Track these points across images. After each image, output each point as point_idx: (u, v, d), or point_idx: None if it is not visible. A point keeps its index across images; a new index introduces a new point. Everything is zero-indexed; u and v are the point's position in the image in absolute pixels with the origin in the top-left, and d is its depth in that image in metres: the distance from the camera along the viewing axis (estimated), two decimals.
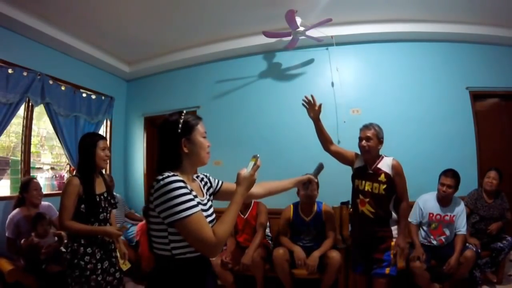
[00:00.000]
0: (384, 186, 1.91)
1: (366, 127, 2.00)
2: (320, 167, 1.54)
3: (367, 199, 1.96)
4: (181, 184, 0.91)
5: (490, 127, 3.22)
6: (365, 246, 1.99)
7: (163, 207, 0.88)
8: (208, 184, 1.18)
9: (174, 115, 1.03)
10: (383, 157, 2.00)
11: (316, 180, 1.47)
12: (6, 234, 2.30)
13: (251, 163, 1.07)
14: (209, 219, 0.98)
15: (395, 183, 1.93)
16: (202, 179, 1.16)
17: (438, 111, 3.15)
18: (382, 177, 1.92)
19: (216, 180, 1.23)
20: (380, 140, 1.97)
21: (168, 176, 0.91)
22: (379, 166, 1.96)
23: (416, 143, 3.11)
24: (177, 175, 0.93)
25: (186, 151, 0.99)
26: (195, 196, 0.96)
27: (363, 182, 1.99)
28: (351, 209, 2.30)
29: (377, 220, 1.94)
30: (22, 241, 2.22)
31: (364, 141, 1.95)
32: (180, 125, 0.99)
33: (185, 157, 1.00)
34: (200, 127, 1.04)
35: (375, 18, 3.08)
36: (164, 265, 0.95)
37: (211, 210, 1.06)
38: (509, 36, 3.16)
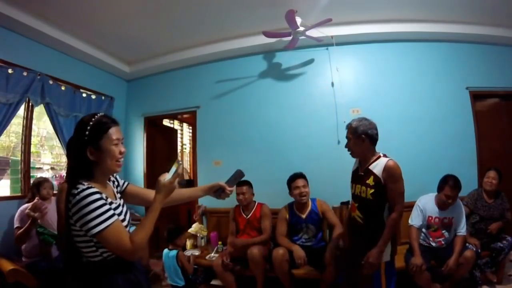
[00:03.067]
0: (372, 191, 1.66)
1: (346, 127, 1.85)
2: (237, 175, 1.34)
3: (356, 204, 1.77)
4: (97, 196, 0.92)
5: (490, 127, 3.22)
6: (354, 257, 1.79)
7: (82, 221, 0.90)
8: (116, 183, 1.17)
9: (86, 118, 1.00)
10: (379, 157, 1.73)
11: (229, 188, 1.31)
12: (16, 225, 2.32)
13: (173, 169, 1.05)
14: (124, 223, 1.01)
15: (387, 188, 1.63)
16: (113, 182, 1.15)
17: (438, 111, 3.15)
18: (370, 180, 1.68)
19: (122, 181, 1.21)
20: (359, 136, 1.72)
21: (83, 190, 0.91)
22: (370, 167, 1.72)
23: (416, 143, 3.11)
24: (91, 187, 0.93)
25: (92, 159, 0.97)
26: (110, 203, 0.98)
27: (354, 185, 1.82)
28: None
29: (367, 229, 1.71)
30: (29, 207, 2.32)
31: (346, 143, 1.82)
32: (87, 132, 0.96)
33: (94, 165, 0.99)
34: (111, 133, 0.99)
35: (375, 18, 3.08)
36: (98, 270, 0.97)
37: (124, 211, 1.07)
38: (509, 36, 3.17)
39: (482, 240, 2.49)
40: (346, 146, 1.82)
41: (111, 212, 0.94)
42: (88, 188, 0.92)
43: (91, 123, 0.97)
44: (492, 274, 2.56)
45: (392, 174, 1.64)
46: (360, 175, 1.77)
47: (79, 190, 0.91)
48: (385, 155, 1.75)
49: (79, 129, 0.98)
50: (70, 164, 0.99)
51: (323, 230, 2.61)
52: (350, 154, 1.84)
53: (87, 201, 0.90)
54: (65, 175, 0.92)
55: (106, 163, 0.99)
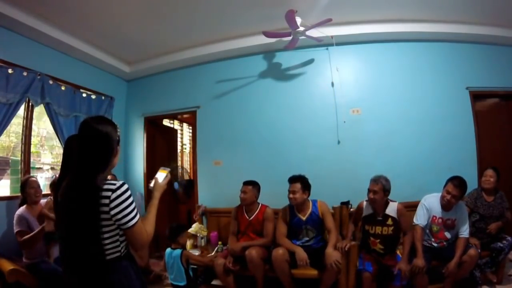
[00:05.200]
0: (392, 228, 2.33)
1: (374, 181, 2.34)
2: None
3: (378, 240, 2.37)
4: (130, 192, 1.04)
5: (490, 127, 3.22)
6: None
7: (122, 214, 0.98)
8: None
9: (110, 125, 1.09)
10: (389, 203, 2.36)
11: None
12: (16, 229, 2.27)
13: (163, 174, 1.32)
14: None
15: (401, 223, 2.33)
16: None
17: (438, 111, 3.15)
18: (389, 221, 2.33)
19: None
20: (385, 193, 2.31)
21: (122, 185, 1.01)
22: (386, 212, 2.35)
23: (416, 143, 3.11)
24: (126, 183, 1.04)
25: (115, 156, 1.11)
26: None
27: (374, 227, 2.38)
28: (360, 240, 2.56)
29: (387, 252, 2.37)
30: (44, 206, 2.39)
31: (371, 193, 2.33)
32: (118, 132, 1.11)
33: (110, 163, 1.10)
34: None
35: (375, 18, 3.08)
36: (113, 266, 1.04)
37: None
38: (509, 36, 3.17)
39: (482, 240, 2.48)
40: (371, 197, 2.33)
41: (137, 208, 1.06)
42: (124, 183, 1.03)
43: (118, 130, 1.12)
44: (492, 274, 2.56)
45: (403, 213, 2.34)
46: (379, 219, 2.37)
47: (117, 185, 1.00)
48: (391, 200, 2.38)
49: (109, 135, 1.06)
50: (96, 164, 1.03)
51: (323, 232, 2.60)
52: (372, 203, 2.37)
53: (127, 195, 1.01)
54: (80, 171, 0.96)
55: (115, 162, 1.13)
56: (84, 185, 0.99)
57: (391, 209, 2.35)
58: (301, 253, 2.33)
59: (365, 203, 2.48)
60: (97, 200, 0.96)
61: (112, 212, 0.97)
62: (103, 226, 0.99)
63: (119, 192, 0.98)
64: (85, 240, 1.00)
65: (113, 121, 1.14)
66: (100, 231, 0.99)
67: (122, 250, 1.06)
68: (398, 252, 2.43)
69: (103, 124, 1.08)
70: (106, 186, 0.98)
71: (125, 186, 1.01)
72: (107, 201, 0.96)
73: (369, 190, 2.35)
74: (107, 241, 1.01)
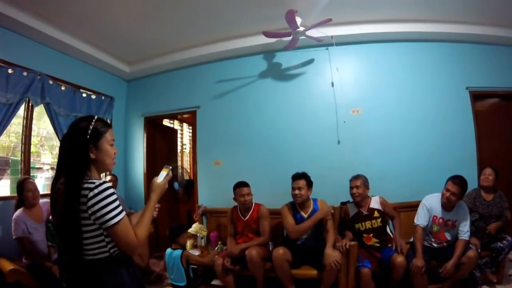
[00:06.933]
0: (380, 219, 2.50)
1: (354, 178, 2.58)
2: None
3: (371, 234, 2.49)
4: (112, 190, 1.00)
5: (490, 127, 3.22)
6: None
7: (100, 213, 0.95)
8: None
9: (84, 120, 1.06)
10: (371, 198, 2.58)
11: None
12: (16, 236, 2.25)
13: (164, 173, 1.21)
14: None
15: (386, 212, 2.54)
16: None
17: (438, 111, 3.15)
18: (376, 214, 2.51)
19: None
20: (366, 186, 2.54)
21: (101, 184, 0.98)
22: (371, 206, 2.54)
23: (416, 143, 3.11)
24: (106, 181, 1.01)
25: (93, 157, 1.04)
26: None
27: (363, 223, 2.51)
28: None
29: (383, 245, 2.46)
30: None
31: (354, 189, 2.53)
32: (89, 131, 1.03)
33: (91, 163, 1.05)
34: (108, 135, 1.09)
35: (375, 18, 3.08)
36: (102, 266, 1.01)
37: None
38: (509, 36, 3.17)
39: (482, 240, 2.49)
40: (354, 192, 2.53)
41: (121, 207, 1.01)
42: (104, 182, 0.99)
43: (92, 124, 1.04)
44: (492, 274, 2.56)
45: (386, 203, 2.58)
46: (366, 214, 2.53)
47: (96, 184, 0.97)
48: (372, 196, 2.60)
49: (79, 130, 1.04)
50: (71, 162, 1.01)
51: (322, 232, 2.60)
52: (355, 197, 2.54)
53: (106, 193, 0.97)
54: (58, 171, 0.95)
55: (104, 161, 1.08)
56: (66, 184, 0.98)
57: (374, 203, 2.55)
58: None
59: (349, 205, 2.65)
60: (76, 199, 0.95)
61: (90, 211, 0.95)
62: (83, 225, 0.97)
63: (96, 190, 0.95)
64: (66, 239, 0.99)
65: (89, 116, 1.09)
66: (80, 230, 0.96)
67: (111, 250, 1.02)
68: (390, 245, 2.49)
69: (75, 121, 1.08)
70: (85, 185, 0.97)
71: (105, 185, 0.98)
72: (84, 199, 0.95)
73: (351, 187, 2.55)
74: (89, 241, 0.98)
